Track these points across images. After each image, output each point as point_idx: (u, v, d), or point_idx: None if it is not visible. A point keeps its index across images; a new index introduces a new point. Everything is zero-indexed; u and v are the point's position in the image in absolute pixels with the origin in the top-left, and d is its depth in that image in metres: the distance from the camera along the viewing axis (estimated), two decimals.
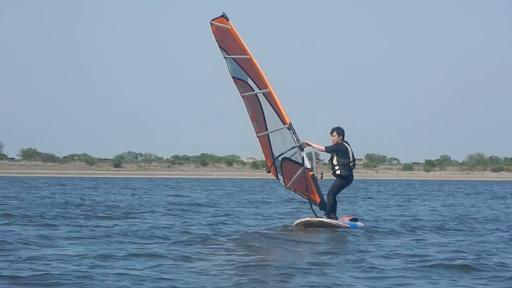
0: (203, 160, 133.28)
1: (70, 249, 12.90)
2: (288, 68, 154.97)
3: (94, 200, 29.27)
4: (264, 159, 18.73)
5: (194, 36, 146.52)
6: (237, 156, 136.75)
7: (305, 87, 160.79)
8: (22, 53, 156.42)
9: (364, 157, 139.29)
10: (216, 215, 21.33)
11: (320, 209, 17.86)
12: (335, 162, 17.48)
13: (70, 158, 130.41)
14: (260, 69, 17.38)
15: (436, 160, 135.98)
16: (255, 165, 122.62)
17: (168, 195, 35.75)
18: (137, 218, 19.89)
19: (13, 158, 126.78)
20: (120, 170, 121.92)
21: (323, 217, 17.48)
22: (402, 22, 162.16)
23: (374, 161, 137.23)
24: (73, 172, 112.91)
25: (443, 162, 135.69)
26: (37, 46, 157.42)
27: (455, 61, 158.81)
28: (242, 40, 17.25)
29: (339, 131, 17.56)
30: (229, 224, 18.33)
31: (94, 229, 16.39)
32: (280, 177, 18.54)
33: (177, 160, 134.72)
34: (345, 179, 17.50)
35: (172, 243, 13.99)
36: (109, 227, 16.80)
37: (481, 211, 24.96)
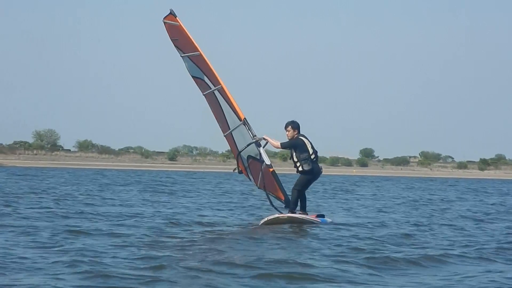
0: None
1: None
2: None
3: None
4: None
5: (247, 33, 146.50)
6: None
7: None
8: (81, 47, 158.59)
9: (419, 154, 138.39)
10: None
11: (285, 207, 17.20)
12: (294, 158, 16.71)
13: (125, 151, 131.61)
14: (210, 65, 16.63)
15: (491, 159, 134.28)
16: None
17: None
18: None
19: (69, 150, 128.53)
20: (175, 164, 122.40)
21: (289, 214, 16.76)
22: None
23: (429, 158, 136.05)
24: (128, 164, 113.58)
25: (498, 161, 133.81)
26: (94, 40, 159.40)
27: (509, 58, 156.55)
28: (190, 36, 16.52)
29: (294, 125, 16.81)
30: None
31: None
32: (250, 177, 17.83)
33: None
34: (308, 174, 16.73)
35: None
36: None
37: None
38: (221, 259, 11.02)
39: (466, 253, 12.45)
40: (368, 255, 11.79)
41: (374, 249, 12.61)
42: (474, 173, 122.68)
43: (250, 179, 17.87)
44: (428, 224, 18.04)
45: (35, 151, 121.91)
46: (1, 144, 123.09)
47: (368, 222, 17.72)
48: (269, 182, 17.04)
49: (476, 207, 26.23)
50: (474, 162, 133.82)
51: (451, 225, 18.01)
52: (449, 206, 26.68)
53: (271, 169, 16.72)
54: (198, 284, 9.26)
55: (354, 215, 20.46)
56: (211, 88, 17.00)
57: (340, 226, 16.60)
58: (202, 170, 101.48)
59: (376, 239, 14.21)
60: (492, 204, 28.66)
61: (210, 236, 14.45)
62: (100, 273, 9.65)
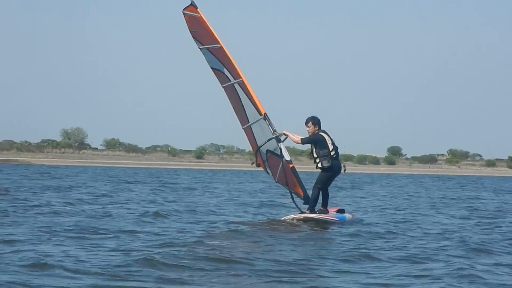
0: None
1: None
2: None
3: None
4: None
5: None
6: None
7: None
8: (107, 45, 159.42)
9: (447, 152, 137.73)
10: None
11: (304, 203, 17.10)
12: (314, 154, 16.53)
13: (152, 149, 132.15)
14: (231, 58, 16.62)
15: None
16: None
17: None
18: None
19: (97, 148, 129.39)
20: (202, 162, 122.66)
21: (306, 212, 16.78)
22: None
23: (457, 156, 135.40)
24: (155, 163, 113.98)
25: None
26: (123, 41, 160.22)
27: None
28: (211, 28, 16.48)
29: (315, 121, 16.63)
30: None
31: None
32: (268, 171, 17.75)
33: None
34: (328, 171, 16.57)
35: None
36: None
37: None
38: (238, 259, 11.01)
39: (445, 248, 12.70)
40: (364, 253, 11.85)
41: (371, 247, 12.67)
42: (502, 171, 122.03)
43: (268, 172, 17.80)
44: (424, 222, 17.92)
45: (63, 150, 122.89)
46: (30, 142, 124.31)
47: (376, 222, 17.52)
48: (289, 178, 16.99)
49: (486, 205, 25.99)
50: (503, 160, 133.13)
51: (450, 224, 17.86)
52: (457, 204, 26.58)
53: (290, 165, 16.69)
54: (216, 284, 9.33)
55: (362, 213, 20.28)
56: (230, 81, 17.03)
57: (343, 226, 16.46)
58: (229, 168, 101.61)
59: (373, 239, 14.13)
60: (505, 203, 28.38)
61: (228, 234, 14.39)
62: (119, 274, 9.68)
